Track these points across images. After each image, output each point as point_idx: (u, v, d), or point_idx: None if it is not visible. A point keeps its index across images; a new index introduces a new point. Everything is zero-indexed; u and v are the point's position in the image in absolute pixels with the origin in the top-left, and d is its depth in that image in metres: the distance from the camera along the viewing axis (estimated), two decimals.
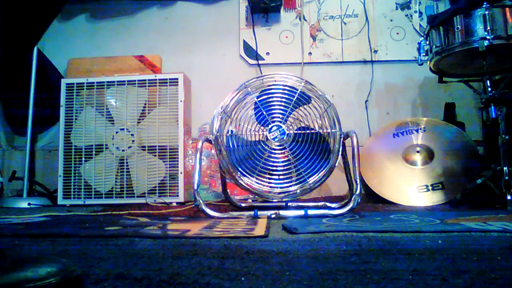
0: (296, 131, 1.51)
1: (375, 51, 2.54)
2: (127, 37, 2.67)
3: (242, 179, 1.50)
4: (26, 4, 0.58)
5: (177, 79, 2.22)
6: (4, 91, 2.50)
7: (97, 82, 2.25)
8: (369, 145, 2.23)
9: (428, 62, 1.85)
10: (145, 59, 2.56)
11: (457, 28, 1.68)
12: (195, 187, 1.43)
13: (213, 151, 2.21)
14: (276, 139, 1.50)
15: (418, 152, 2.07)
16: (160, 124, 2.19)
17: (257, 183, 1.49)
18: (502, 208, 1.55)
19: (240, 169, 1.49)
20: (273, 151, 1.50)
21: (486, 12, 1.61)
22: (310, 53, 2.57)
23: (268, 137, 1.50)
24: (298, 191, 1.49)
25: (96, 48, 2.64)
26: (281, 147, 1.50)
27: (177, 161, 2.15)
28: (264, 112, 1.51)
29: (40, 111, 2.47)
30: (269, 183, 1.50)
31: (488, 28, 1.60)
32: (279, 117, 1.51)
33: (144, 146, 2.18)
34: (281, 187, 1.49)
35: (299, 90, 1.51)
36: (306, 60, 2.57)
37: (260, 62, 2.58)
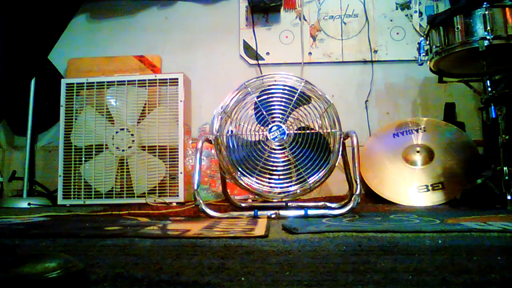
0: (296, 131, 1.51)
1: (375, 51, 2.54)
2: (127, 37, 2.67)
3: (242, 179, 1.49)
4: (39, 17, 0.58)
5: (177, 79, 2.22)
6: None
7: (97, 82, 2.25)
8: (369, 145, 2.23)
9: (428, 62, 1.85)
10: (145, 59, 2.56)
11: (457, 28, 1.68)
12: (195, 187, 1.43)
13: (213, 151, 2.21)
14: (276, 139, 1.50)
15: (418, 152, 2.07)
16: (160, 124, 2.19)
17: (257, 183, 1.49)
18: (502, 208, 1.55)
19: (240, 169, 1.49)
20: (273, 151, 1.50)
21: (486, 12, 1.61)
22: (310, 53, 2.57)
23: (268, 137, 1.50)
24: (298, 191, 1.49)
25: (96, 48, 2.64)
26: (281, 147, 1.50)
27: (177, 161, 2.15)
28: (264, 112, 1.51)
29: (40, 111, 2.47)
30: (269, 183, 1.50)
31: (488, 28, 1.60)
32: (279, 117, 1.51)
33: (144, 146, 2.18)
34: (281, 187, 1.49)
35: (299, 90, 1.51)
36: (306, 60, 2.57)
37: (260, 62, 2.58)
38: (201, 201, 1.42)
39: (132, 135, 2.19)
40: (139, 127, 2.20)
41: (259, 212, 1.41)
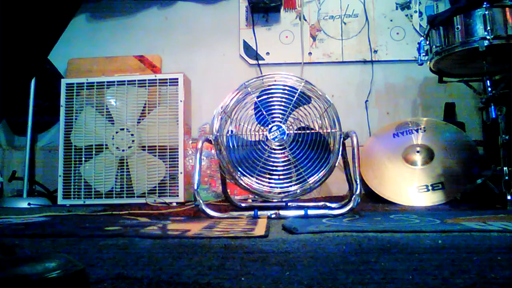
0: (296, 131, 1.51)
1: (375, 51, 2.54)
2: (127, 37, 2.67)
3: (242, 179, 1.49)
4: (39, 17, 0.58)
5: (177, 79, 2.22)
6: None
7: (97, 82, 2.25)
8: (369, 145, 2.23)
9: (428, 62, 1.85)
10: (145, 59, 2.56)
11: (457, 28, 1.68)
12: (195, 187, 1.43)
13: (213, 151, 2.21)
14: (276, 139, 1.50)
15: (418, 152, 2.07)
16: (160, 124, 2.19)
17: (257, 183, 1.49)
18: (502, 208, 1.55)
19: (240, 169, 1.49)
20: (273, 151, 1.50)
21: (486, 12, 1.61)
22: (310, 53, 2.57)
23: (268, 137, 1.50)
24: (298, 191, 1.49)
25: (96, 48, 2.64)
26: (281, 147, 1.50)
27: (177, 161, 2.15)
28: (264, 112, 1.51)
29: (40, 111, 2.47)
30: (269, 183, 1.50)
31: (488, 28, 1.60)
32: (279, 117, 1.51)
33: (144, 146, 2.18)
34: (281, 187, 1.49)
35: (299, 90, 1.51)
36: (306, 60, 2.57)
37: (260, 62, 2.58)
38: (201, 201, 1.42)
39: (132, 135, 2.19)
40: (139, 127, 2.20)
41: (259, 212, 1.41)
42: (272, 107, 1.51)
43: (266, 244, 0.86)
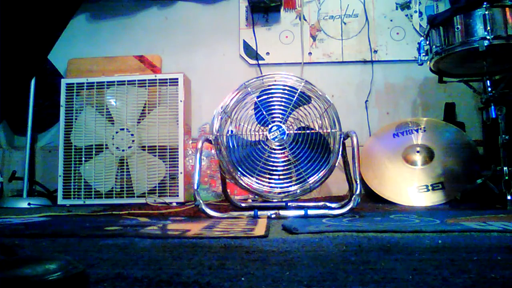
0: (296, 131, 1.51)
1: (375, 51, 2.54)
2: (127, 37, 2.67)
3: (242, 179, 1.49)
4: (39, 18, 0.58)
5: (177, 79, 2.22)
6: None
7: (97, 82, 2.25)
8: (369, 145, 2.23)
9: (428, 62, 1.85)
10: (145, 59, 2.56)
11: (457, 28, 1.68)
12: (195, 187, 1.43)
13: (213, 151, 2.21)
14: (276, 139, 1.50)
15: (418, 152, 2.07)
16: (160, 124, 2.19)
17: (257, 183, 1.49)
18: (502, 208, 1.55)
19: (240, 169, 1.49)
20: (273, 151, 1.50)
21: (486, 12, 1.61)
22: (310, 53, 2.57)
23: (268, 137, 1.50)
24: (298, 191, 1.49)
25: (96, 48, 2.64)
26: (281, 147, 1.50)
27: (177, 161, 2.15)
28: (264, 112, 1.51)
29: (40, 111, 2.47)
30: (269, 183, 1.50)
31: (488, 28, 1.60)
32: (279, 117, 1.51)
33: (144, 146, 2.18)
34: (281, 187, 1.49)
35: (299, 90, 1.51)
36: (306, 60, 2.57)
37: (260, 62, 2.58)
38: (201, 201, 1.42)
39: (132, 135, 2.19)
40: (139, 127, 2.20)
41: (259, 212, 1.41)
42: (272, 107, 1.51)
43: (266, 244, 0.86)
